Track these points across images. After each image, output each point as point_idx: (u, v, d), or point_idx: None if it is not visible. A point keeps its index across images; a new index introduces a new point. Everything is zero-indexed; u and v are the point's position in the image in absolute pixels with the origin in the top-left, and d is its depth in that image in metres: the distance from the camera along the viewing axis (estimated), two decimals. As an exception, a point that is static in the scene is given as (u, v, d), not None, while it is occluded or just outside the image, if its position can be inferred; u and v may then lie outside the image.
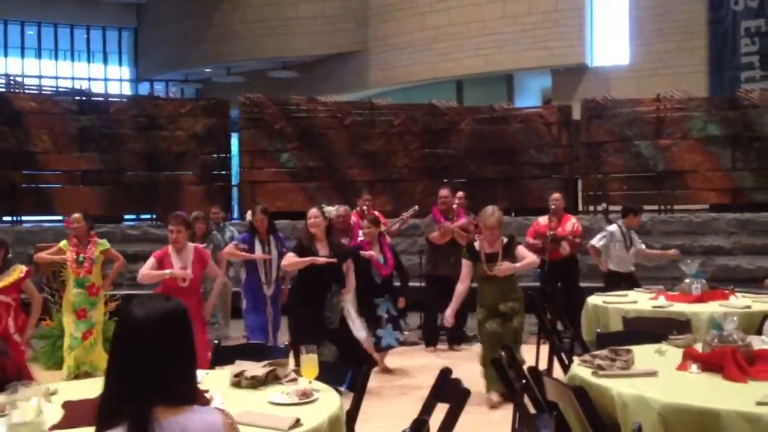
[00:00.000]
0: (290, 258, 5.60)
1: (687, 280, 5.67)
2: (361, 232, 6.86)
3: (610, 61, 14.63)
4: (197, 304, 5.43)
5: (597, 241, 7.33)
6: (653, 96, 11.02)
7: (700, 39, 13.73)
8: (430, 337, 7.64)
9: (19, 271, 5.30)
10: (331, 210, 5.95)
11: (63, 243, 6.22)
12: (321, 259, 5.46)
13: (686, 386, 2.98)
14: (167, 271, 5.30)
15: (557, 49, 14.42)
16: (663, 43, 13.88)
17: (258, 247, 6.48)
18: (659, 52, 13.92)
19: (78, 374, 5.97)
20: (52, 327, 6.85)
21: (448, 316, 5.69)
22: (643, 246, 7.40)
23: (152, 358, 1.81)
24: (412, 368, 6.77)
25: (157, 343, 1.82)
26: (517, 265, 5.51)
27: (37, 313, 5.46)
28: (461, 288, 5.70)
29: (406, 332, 7.97)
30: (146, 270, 5.37)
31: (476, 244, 5.70)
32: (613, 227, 7.38)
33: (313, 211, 5.70)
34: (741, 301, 5.34)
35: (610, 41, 14.73)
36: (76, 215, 6.22)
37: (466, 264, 5.65)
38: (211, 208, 8.51)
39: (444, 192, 7.80)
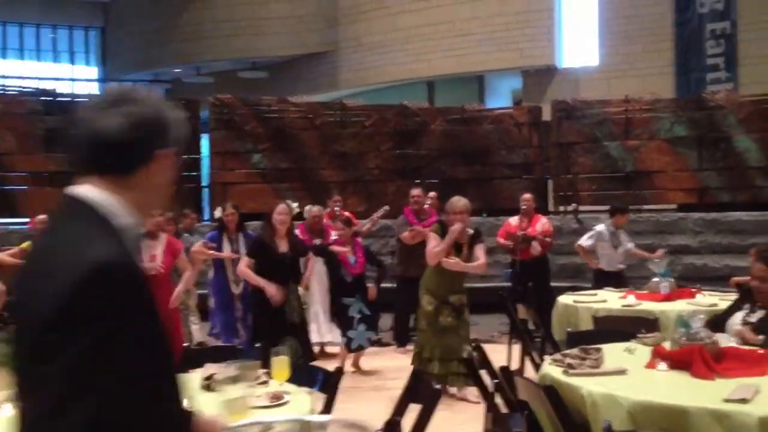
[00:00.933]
0: (243, 266, 5.54)
1: (655, 279, 5.76)
2: (333, 233, 6.85)
3: (580, 62, 14.79)
4: (168, 294, 5.35)
5: (585, 240, 7.46)
6: (622, 97, 11.16)
7: (666, 41, 13.93)
8: (402, 338, 7.64)
9: None
10: (295, 205, 5.96)
11: (26, 244, 6.11)
12: (271, 289, 5.36)
13: (655, 384, 3.01)
14: None
15: (527, 50, 14.54)
16: (630, 45, 14.07)
17: (226, 245, 6.44)
18: (627, 54, 14.11)
19: None
20: None
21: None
22: (631, 245, 7.50)
23: None
24: (384, 369, 6.76)
25: None
26: (468, 265, 5.48)
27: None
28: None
29: (381, 333, 7.97)
30: None
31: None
32: (600, 227, 7.51)
33: (282, 206, 5.71)
34: (708, 300, 5.43)
35: (579, 43, 14.88)
36: (42, 216, 6.16)
37: (434, 236, 5.50)
38: (184, 211, 8.40)
39: (416, 191, 7.79)
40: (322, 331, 7.01)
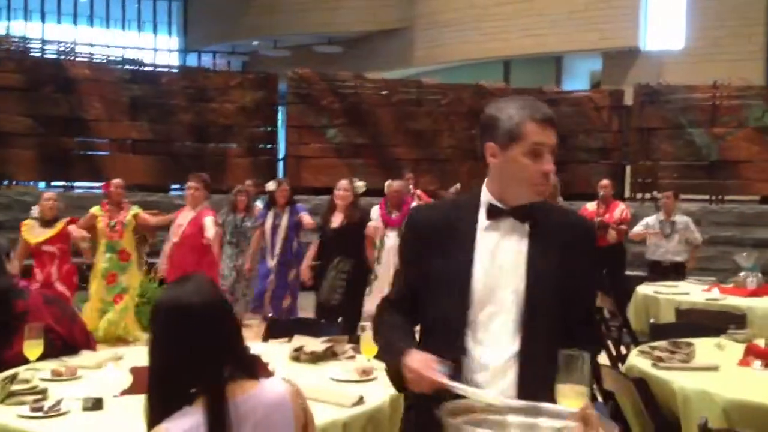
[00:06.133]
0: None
1: (742, 273, 5.57)
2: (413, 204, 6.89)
3: (663, 45, 14.26)
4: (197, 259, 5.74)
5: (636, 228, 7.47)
6: (708, 82, 10.76)
7: (758, 25, 13.30)
8: None
9: (61, 223, 5.77)
10: (361, 186, 5.94)
11: (95, 208, 6.32)
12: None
13: (750, 383, 2.93)
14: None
15: (609, 31, 14.10)
16: (720, 27, 13.47)
17: (270, 218, 6.50)
18: (715, 37, 13.51)
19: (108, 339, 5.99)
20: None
21: None
22: (697, 235, 7.28)
23: (208, 335, 1.75)
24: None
25: (204, 319, 1.76)
26: None
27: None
28: None
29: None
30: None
31: None
32: (649, 217, 7.40)
33: (344, 183, 5.71)
34: (798, 297, 5.22)
35: (663, 25, 14.35)
36: (117, 180, 6.46)
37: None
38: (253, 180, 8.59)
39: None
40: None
